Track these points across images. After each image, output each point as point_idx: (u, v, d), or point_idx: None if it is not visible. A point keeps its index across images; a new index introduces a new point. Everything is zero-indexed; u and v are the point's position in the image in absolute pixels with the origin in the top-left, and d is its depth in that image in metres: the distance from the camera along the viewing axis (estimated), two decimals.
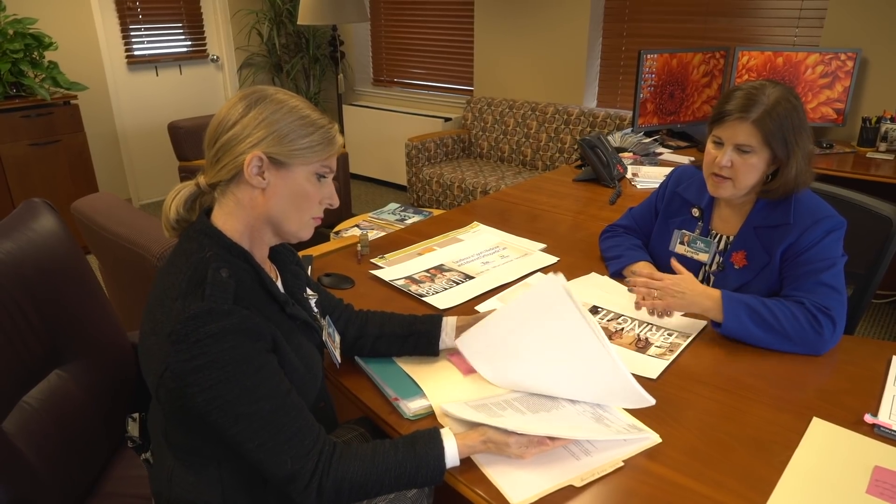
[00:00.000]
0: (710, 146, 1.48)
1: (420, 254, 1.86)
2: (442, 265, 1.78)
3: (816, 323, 1.32)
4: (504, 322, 1.22)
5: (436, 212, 2.60)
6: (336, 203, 1.09)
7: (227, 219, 1.03)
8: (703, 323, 1.45)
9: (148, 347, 0.97)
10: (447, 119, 4.86)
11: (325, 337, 1.21)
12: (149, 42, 4.75)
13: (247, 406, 0.93)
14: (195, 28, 5.00)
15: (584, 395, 1.18)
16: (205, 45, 5.10)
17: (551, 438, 1.04)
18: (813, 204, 1.45)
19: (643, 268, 1.60)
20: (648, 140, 3.10)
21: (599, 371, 1.14)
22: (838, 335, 1.35)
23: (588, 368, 1.15)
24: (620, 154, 2.83)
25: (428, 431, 1.04)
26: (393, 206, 3.04)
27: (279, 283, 1.14)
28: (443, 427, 1.06)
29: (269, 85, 1.12)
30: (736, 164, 1.43)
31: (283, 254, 1.21)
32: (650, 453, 1.07)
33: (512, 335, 1.20)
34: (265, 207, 1.02)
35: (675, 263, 1.47)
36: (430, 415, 1.16)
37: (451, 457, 1.01)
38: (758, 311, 1.34)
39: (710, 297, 1.38)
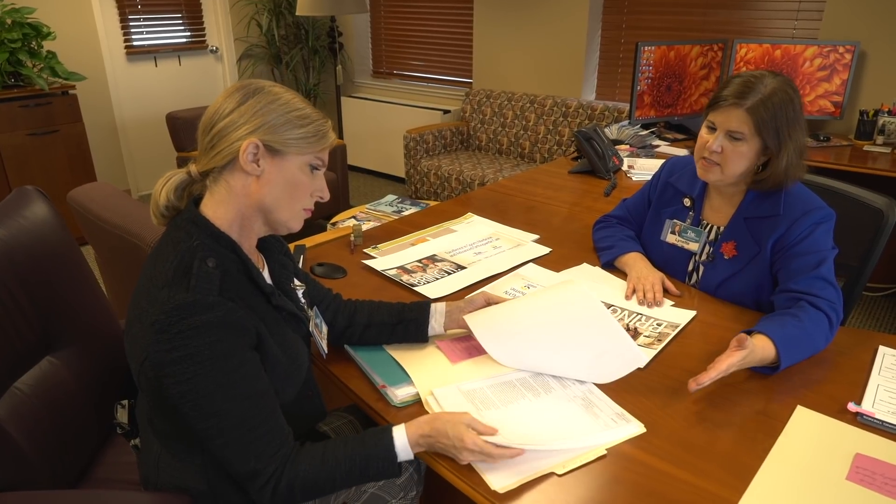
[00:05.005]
0: (703, 131, 1.49)
1: (413, 244, 1.87)
2: (434, 255, 1.79)
3: (831, 323, 1.32)
4: (518, 306, 1.30)
5: (433, 204, 2.60)
6: (326, 196, 1.10)
7: (218, 207, 1.03)
8: (692, 313, 1.46)
9: (132, 335, 0.98)
10: (446, 111, 4.85)
11: (311, 327, 1.21)
12: (148, 32, 4.74)
13: (220, 403, 0.93)
14: (194, 19, 4.99)
15: (581, 359, 1.21)
16: (204, 35, 5.09)
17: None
18: (803, 196, 1.46)
19: (719, 364, 1.16)
20: (645, 132, 3.10)
21: (597, 332, 1.21)
22: (837, 329, 1.35)
23: (587, 330, 1.22)
24: (617, 146, 2.83)
25: (380, 426, 1.05)
26: (390, 197, 3.05)
27: (266, 273, 1.15)
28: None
29: (269, 76, 1.13)
30: (726, 151, 1.43)
31: (272, 243, 1.21)
32: (633, 441, 1.08)
33: (523, 317, 1.27)
34: (258, 195, 1.03)
35: (738, 342, 1.19)
36: (417, 402, 1.17)
37: (402, 446, 1.01)
38: (804, 342, 1.27)
39: (765, 360, 1.22)
